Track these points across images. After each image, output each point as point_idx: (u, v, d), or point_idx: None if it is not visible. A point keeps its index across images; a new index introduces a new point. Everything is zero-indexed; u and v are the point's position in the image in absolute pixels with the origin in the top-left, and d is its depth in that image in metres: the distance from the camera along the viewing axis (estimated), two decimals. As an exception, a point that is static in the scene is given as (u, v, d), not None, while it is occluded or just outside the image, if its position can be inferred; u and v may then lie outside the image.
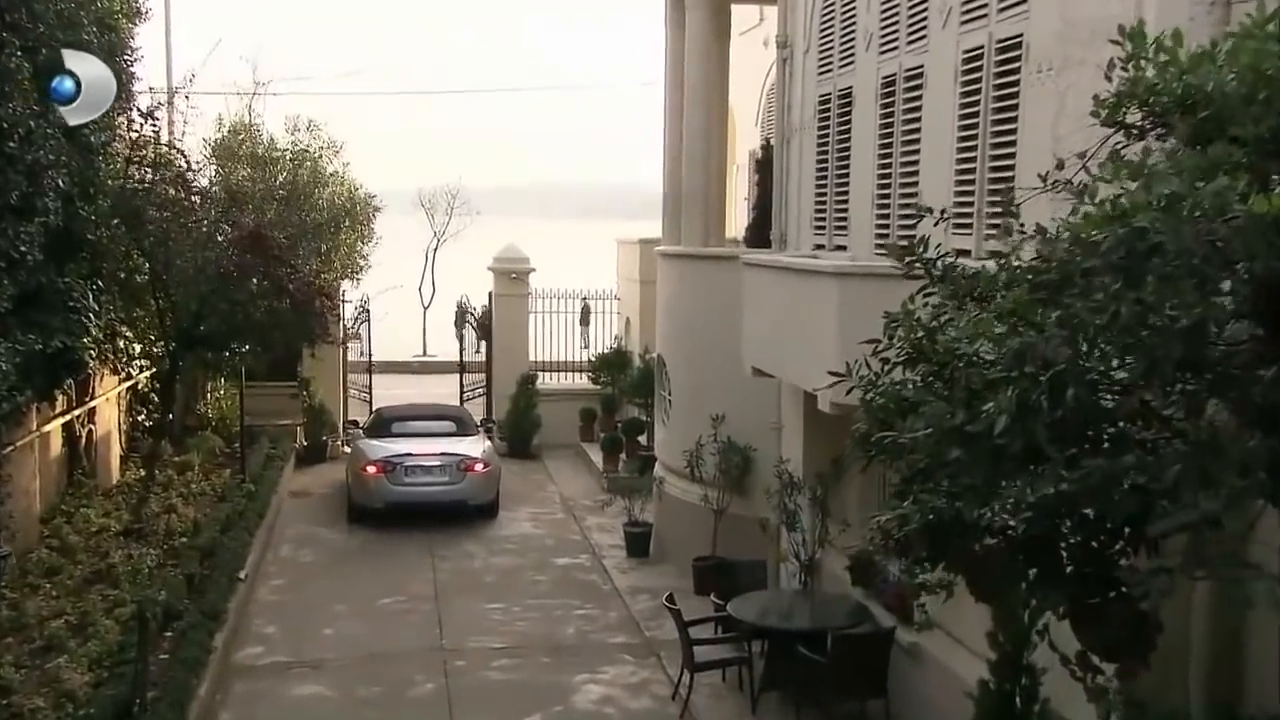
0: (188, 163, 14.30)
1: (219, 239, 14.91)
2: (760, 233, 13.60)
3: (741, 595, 11.54)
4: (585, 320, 23.16)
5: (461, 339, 23.80)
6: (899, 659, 10.12)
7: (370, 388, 23.40)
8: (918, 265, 5.08)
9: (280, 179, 19.02)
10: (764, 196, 14.29)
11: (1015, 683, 7.06)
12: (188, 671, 10.61)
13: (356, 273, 21.21)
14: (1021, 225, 4.70)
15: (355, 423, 20.31)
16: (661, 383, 16.39)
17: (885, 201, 10.63)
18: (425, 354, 37.44)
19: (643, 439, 20.18)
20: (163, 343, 15.59)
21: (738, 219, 18.73)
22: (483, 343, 23.48)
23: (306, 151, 19.98)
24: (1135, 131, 4.64)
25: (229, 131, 19.94)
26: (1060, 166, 4.67)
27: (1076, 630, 4.62)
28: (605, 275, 24.02)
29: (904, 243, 5.28)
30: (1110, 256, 3.88)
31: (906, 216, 10.11)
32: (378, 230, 22.21)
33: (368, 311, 22.75)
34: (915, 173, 9.97)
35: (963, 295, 4.95)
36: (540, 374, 23.15)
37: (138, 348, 16.77)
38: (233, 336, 15.35)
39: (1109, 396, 4.16)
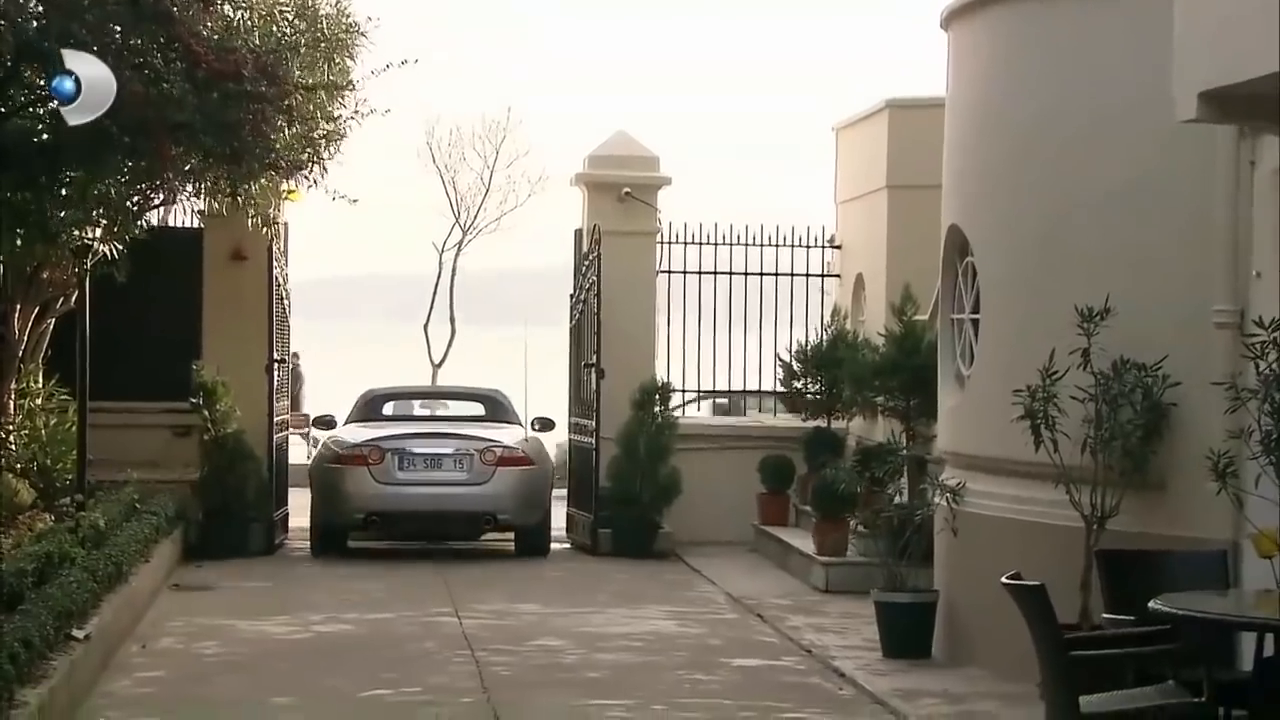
0: None
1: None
2: None
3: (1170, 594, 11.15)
4: None
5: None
6: None
7: None
8: None
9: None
10: None
11: None
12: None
13: (316, 154, 20.43)
14: None
15: (329, 418, 23.91)
16: (954, 296, 16.19)
17: None
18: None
19: (892, 490, 19.31)
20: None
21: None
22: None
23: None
24: None
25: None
26: None
27: None
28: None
29: None
30: None
31: None
32: (359, 92, 21.59)
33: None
34: None
35: None
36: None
37: None
38: (75, 145, 14.71)
39: None
